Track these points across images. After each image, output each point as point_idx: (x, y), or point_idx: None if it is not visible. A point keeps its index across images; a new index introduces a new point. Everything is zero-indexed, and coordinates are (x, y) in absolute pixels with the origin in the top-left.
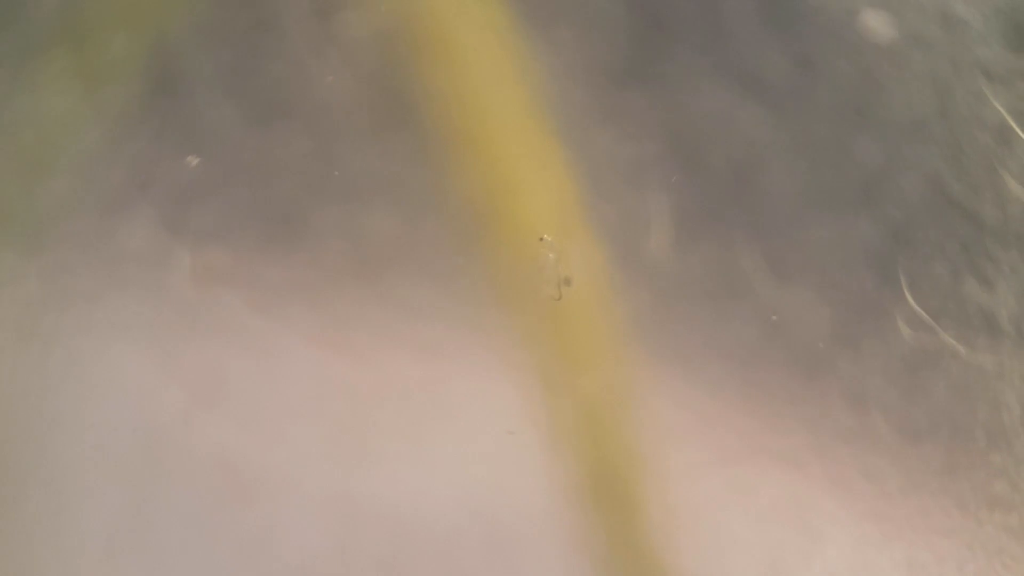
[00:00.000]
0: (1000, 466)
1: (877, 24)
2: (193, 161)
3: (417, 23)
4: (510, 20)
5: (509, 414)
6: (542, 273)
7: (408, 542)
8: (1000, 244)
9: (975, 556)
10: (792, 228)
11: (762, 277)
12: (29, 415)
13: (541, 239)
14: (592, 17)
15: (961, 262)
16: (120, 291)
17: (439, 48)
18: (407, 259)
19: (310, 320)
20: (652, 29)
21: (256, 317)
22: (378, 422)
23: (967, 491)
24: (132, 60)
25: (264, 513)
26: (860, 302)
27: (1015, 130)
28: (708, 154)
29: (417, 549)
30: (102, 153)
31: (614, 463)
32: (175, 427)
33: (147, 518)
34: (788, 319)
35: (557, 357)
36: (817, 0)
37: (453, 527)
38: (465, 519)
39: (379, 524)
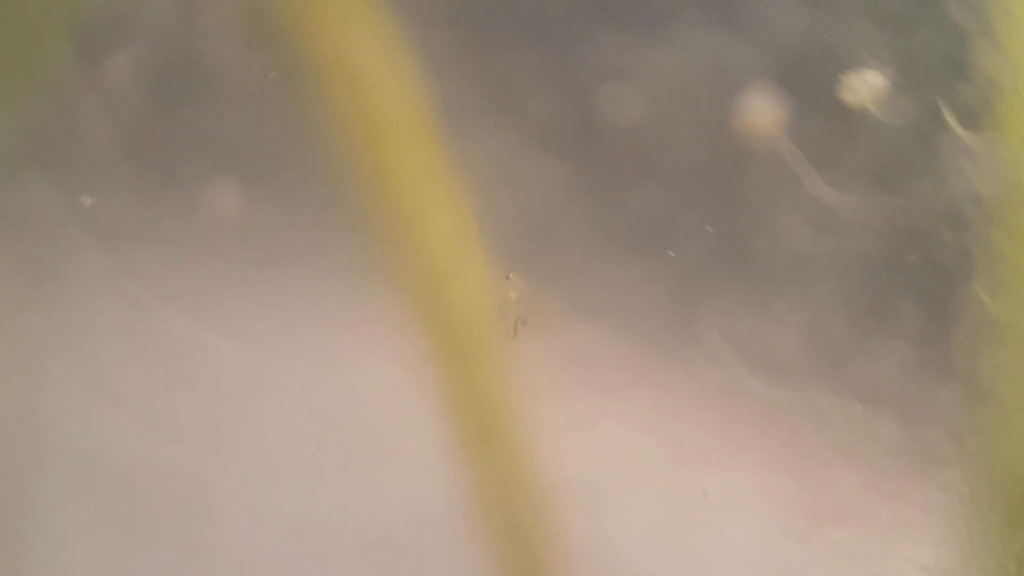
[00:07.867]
0: (794, 497)
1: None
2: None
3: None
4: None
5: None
6: (501, 310)
7: (311, 550)
8: (784, 280)
9: None
10: (589, 270)
11: (564, 316)
12: None
13: (508, 277)
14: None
15: (749, 300)
16: None
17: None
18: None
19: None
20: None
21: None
22: (282, 435)
23: (764, 522)
24: None
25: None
26: (656, 340)
27: (794, 171)
28: (502, 200)
29: (318, 557)
30: None
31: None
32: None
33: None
34: (589, 356)
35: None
36: (597, 52)
37: (356, 537)
38: (366, 529)
39: (285, 533)
